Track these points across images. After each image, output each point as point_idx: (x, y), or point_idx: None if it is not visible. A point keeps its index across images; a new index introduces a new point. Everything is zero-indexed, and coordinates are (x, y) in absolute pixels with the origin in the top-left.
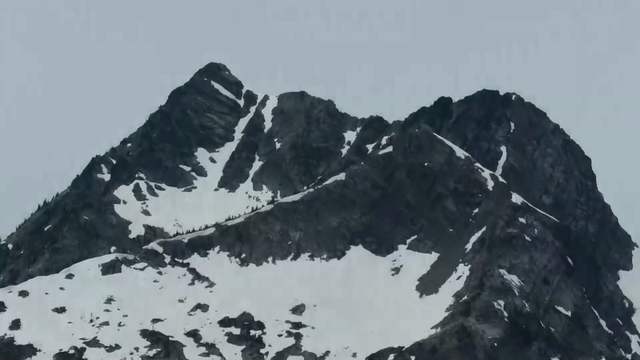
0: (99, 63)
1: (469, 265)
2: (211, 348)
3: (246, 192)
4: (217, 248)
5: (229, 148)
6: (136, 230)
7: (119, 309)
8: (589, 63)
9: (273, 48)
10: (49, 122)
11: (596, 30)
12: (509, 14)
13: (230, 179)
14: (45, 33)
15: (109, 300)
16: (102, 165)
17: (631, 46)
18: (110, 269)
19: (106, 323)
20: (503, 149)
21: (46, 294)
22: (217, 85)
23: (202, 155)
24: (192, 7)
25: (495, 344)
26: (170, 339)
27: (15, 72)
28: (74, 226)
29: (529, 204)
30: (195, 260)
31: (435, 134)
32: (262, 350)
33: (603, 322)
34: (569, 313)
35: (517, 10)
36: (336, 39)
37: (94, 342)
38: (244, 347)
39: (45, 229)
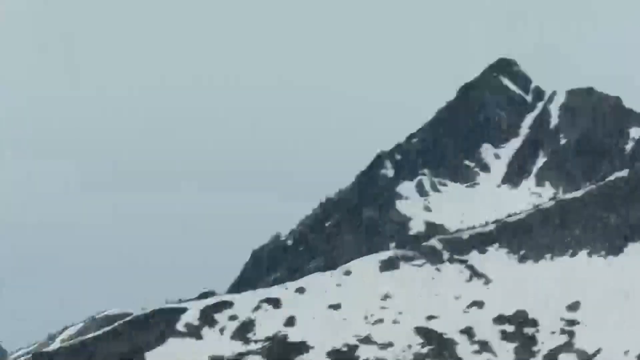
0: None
1: None
2: (484, 346)
3: (528, 189)
4: (496, 245)
5: (514, 144)
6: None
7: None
8: None
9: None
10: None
11: None
12: None
13: (513, 175)
14: None
15: (386, 297)
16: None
17: None
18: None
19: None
20: None
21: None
22: (506, 81)
23: (486, 151)
24: None
25: None
26: (443, 336)
27: None
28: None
29: None
30: (474, 257)
31: None
32: (534, 348)
33: None
34: None
35: None
36: None
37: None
38: (516, 345)
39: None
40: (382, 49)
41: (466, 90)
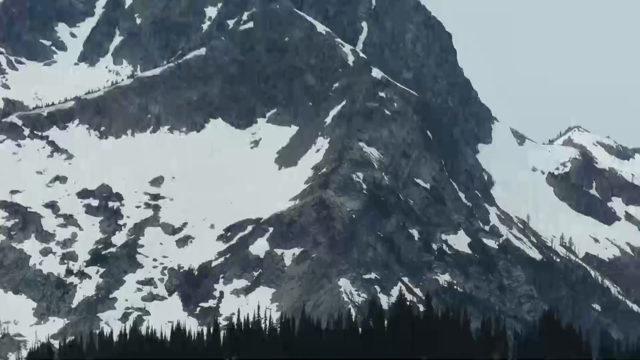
0: None
1: (328, 139)
2: (69, 219)
3: (106, 67)
4: (76, 121)
5: (89, 23)
6: None
7: None
8: None
9: None
10: None
11: None
12: None
13: (90, 54)
14: None
15: None
16: None
17: None
18: None
19: None
20: (364, 24)
21: None
22: None
23: (62, 30)
24: None
25: (354, 216)
26: (28, 210)
27: None
28: None
29: (389, 78)
30: (54, 133)
31: (296, 10)
32: (120, 222)
33: (462, 195)
34: (427, 186)
35: None
36: None
37: None
38: (102, 218)
39: None
40: None
41: None
